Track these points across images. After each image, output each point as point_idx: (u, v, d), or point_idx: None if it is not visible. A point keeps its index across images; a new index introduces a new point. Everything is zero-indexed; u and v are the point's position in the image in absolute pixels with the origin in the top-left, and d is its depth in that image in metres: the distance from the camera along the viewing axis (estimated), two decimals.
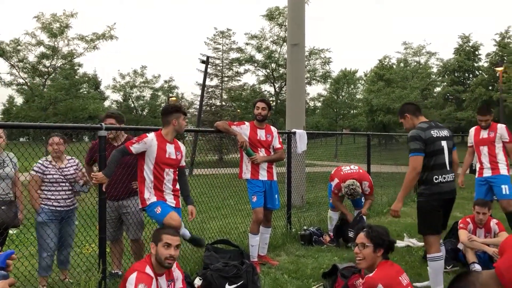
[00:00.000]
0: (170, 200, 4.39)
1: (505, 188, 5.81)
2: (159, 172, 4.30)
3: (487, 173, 5.98)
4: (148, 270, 3.39)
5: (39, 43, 23.70)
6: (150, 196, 4.29)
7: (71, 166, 4.76)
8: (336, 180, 6.58)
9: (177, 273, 3.68)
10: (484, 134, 6.03)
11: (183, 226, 4.41)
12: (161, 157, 4.28)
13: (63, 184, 4.63)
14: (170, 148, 4.35)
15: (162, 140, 4.33)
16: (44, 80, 25.32)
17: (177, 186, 4.50)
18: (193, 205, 4.59)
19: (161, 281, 3.48)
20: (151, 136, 4.28)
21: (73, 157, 4.87)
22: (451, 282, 1.30)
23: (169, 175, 4.37)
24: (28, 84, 24.93)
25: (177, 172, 4.50)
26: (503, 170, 5.90)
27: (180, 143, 4.59)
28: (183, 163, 4.59)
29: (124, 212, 4.82)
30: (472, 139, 6.18)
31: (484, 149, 6.02)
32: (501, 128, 5.95)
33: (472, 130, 6.27)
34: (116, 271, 4.86)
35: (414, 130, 4.22)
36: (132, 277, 3.28)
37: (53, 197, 4.59)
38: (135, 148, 4.21)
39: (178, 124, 4.36)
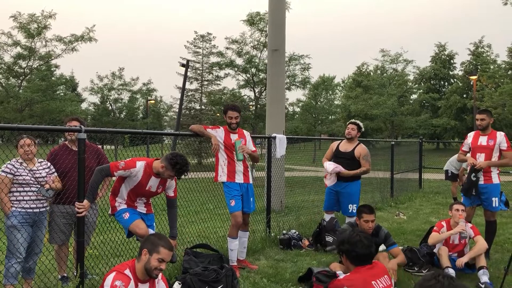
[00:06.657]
0: (141, 208, 4.44)
1: (495, 201, 5.88)
2: (133, 197, 4.36)
3: (480, 181, 5.91)
4: (127, 272, 3.32)
5: (16, 43, 23.29)
6: (120, 205, 4.34)
7: (43, 168, 4.51)
8: None
9: (162, 285, 3.59)
10: (483, 140, 5.94)
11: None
12: (139, 188, 4.28)
13: (34, 186, 4.36)
14: (153, 181, 4.29)
15: (150, 172, 4.24)
16: (20, 81, 24.85)
17: (150, 201, 4.57)
18: (176, 239, 4.51)
19: None
20: (139, 167, 4.20)
21: (44, 160, 4.64)
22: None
23: (142, 200, 4.44)
24: (3, 85, 24.42)
25: (150, 200, 4.54)
26: (495, 178, 5.92)
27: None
28: (171, 194, 4.49)
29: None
30: (470, 143, 6.08)
31: (481, 157, 5.92)
32: (500, 135, 5.88)
33: (471, 134, 6.17)
34: (64, 274, 4.76)
35: None
36: (110, 276, 3.24)
37: (26, 198, 4.30)
38: (118, 174, 4.21)
39: (164, 170, 4.16)
